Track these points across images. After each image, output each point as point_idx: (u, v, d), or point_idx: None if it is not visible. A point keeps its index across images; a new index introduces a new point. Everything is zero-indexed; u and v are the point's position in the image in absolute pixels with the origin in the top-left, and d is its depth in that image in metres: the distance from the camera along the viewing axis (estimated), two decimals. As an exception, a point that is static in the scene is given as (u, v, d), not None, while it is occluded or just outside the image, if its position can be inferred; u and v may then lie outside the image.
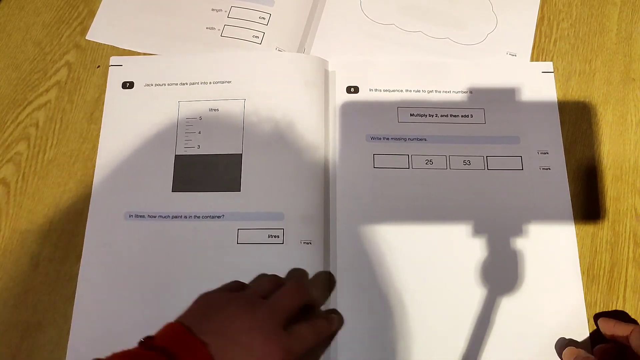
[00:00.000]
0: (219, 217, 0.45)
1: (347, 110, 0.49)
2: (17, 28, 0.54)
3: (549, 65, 0.51)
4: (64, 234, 0.46)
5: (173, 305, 0.43)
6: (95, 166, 0.48)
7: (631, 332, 0.39)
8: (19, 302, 0.44)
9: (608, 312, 0.43)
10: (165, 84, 0.50)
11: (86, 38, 0.53)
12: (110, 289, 0.44)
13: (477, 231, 0.45)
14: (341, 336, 0.42)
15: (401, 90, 0.50)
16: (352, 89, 0.50)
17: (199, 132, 0.48)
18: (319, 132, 0.48)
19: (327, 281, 0.43)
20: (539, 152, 0.48)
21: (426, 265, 0.44)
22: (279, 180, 0.46)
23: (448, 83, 0.50)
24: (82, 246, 0.45)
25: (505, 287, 0.43)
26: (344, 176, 0.47)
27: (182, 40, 0.53)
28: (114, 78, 0.51)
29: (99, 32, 0.53)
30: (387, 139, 0.48)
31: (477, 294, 0.43)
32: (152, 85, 0.50)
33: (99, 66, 0.52)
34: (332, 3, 0.55)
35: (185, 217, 0.45)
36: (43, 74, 0.52)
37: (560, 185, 0.47)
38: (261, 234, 0.45)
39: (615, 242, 0.46)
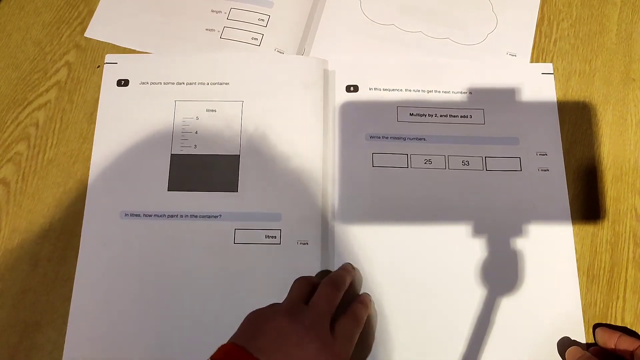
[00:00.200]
0: (215, 217, 0.45)
1: (347, 110, 0.49)
2: (17, 28, 0.54)
3: (549, 67, 0.51)
4: (63, 234, 0.46)
5: (169, 305, 0.43)
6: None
7: (638, 347, 0.38)
8: (17, 302, 0.44)
9: (607, 324, 0.43)
10: (161, 83, 0.50)
11: (85, 36, 0.53)
12: (106, 288, 0.44)
13: (476, 231, 0.45)
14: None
15: (401, 90, 0.50)
16: (352, 88, 0.50)
17: (196, 132, 0.48)
18: (317, 131, 0.48)
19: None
20: (538, 154, 0.48)
21: (425, 265, 0.44)
22: (276, 180, 0.46)
23: (448, 83, 0.50)
24: (80, 246, 0.45)
25: (503, 288, 0.43)
26: (343, 175, 0.47)
27: (182, 41, 0.53)
28: (109, 75, 0.50)
29: (98, 30, 0.53)
30: (387, 138, 0.48)
31: (475, 294, 0.43)
32: (147, 83, 0.50)
33: (99, 66, 0.52)
34: (332, 3, 0.55)
35: (181, 216, 0.45)
36: (43, 74, 0.52)
37: (559, 186, 0.47)
38: (258, 234, 0.45)
39: (615, 242, 0.46)
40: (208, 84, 0.50)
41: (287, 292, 0.40)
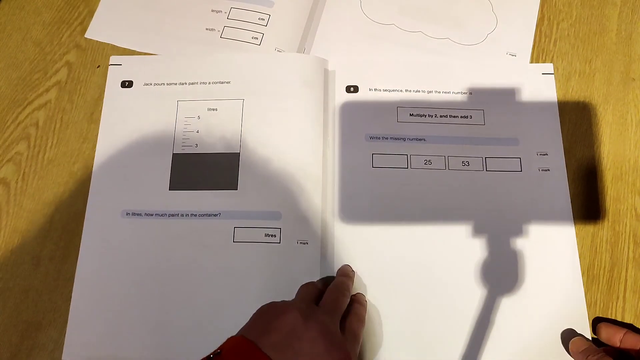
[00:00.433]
0: (215, 215, 0.45)
1: (347, 110, 0.49)
2: (17, 28, 0.54)
3: (549, 67, 0.51)
4: (65, 234, 0.46)
5: (169, 304, 0.43)
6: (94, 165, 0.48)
7: None
8: (19, 301, 0.44)
9: (609, 319, 0.43)
10: (164, 84, 0.50)
11: (85, 36, 0.53)
12: (107, 286, 0.44)
13: (476, 232, 0.45)
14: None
15: (401, 90, 0.50)
16: (352, 89, 0.50)
17: (197, 131, 0.48)
18: (317, 130, 0.48)
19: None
20: (539, 154, 0.48)
21: (424, 265, 0.44)
22: (276, 179, 0.46)
23: (448, 83, 0.50)
24: (81, 245, 0.45)
25: (504, 288, 0.43)
26: (343, 175, 0.47)
27: (182, 41, 0.53)
28: (113, 77, 0.51)
29: (98, 30, 0.53)
30: (386, 138, 0.48)
31: (475, 294, 0.43)
32: (151, 84, 0.50)
33: (99, 66, 0.52)
34: (332, 3, 0.55)
35: (182, 215, 0.46)
36: (43, 74, 0.52)
37: (560, 186, 0.47)
38: (257, 232, 0.45)
39: (615, 242, 0.46)
40: (209, 83, 0.50)
41: (287, 292, 0.40)
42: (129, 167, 0.47)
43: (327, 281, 0.43)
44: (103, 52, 0.52)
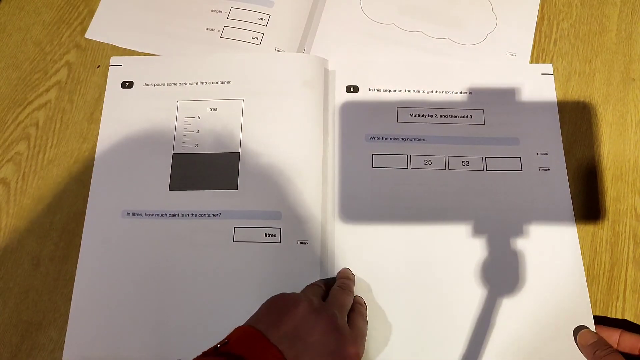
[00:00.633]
0: (215, 215, 0.45)
1: (347, 110, 0.49)
2: (17, 28, 0.54)
3: (548, 67, 0.51)
4: (65, 234, 0.46)
5: (169, 304, 0.43)
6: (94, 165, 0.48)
7: None
8: (19, 301, 0.44)
9: (603, 317, 0.43)
10: (164, 84, 0.50)
11: (85, 36, 0.53)
12: (107, 286, 0.44)
13: (477, 232, 0.45)
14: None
15: (401, 90, 0.50)
16: (352, 89, 0.50)
17: (197, 131, 0.48)
18: (317, 130, 0.48)
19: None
20: (539, 153, 0.48)
21: (425, 265, 0.44)
22: (276, 179, 0.46)
23: (448, 83, 0.50)
24: (81, 245, 0.45)
25: (505, 288, 0.43)
26: (343, 176, 0.47)
27: (182, 41, 0.53)
28: (114, 78, 0.51)
29: (98, 30, 0.53)
30: (387, 139, 0.48)
31: (476, 294, 0.43)
32: (151, 85, 0.50)
33: (99, 66, 0.52)
34: (332, 3, 0.55)
35: (182, 215, 0.46)
36: (43, 74, 0.52)
37: (560, 185, 0.47)
38: (258, 232, 0.45)
39: (615, 242, 0.46)
40: (209, 83, 0.50)
41: (287, 292, 0.40)
42: (129, 167, 0.47)
43: (328, 282, 0.43)
44: (103, 52, 0.52)
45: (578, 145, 0.49)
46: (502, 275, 0.44)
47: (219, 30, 0.53)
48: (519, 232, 0.45)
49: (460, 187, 0.46)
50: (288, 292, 0.39)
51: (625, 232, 0.46)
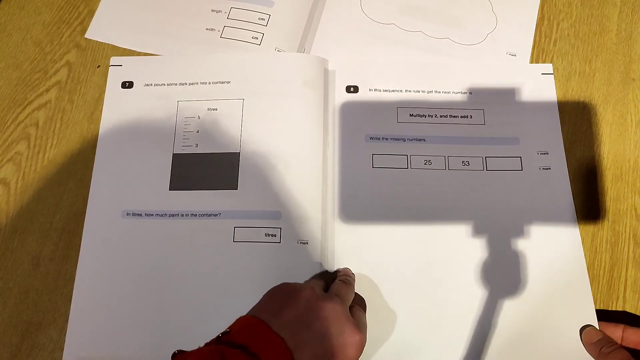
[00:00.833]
0: (215, 215, 0.45)
1: (347, 110, 0.49)
2: (17, 28, 0.54)
3: (548, 67, 0.51)
4: (65, 234, 0.46)
5: (170, 304, 0.43)
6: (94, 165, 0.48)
7: None
8: (19, 301, 0.44)
9: (603, 310, 0.43)
10: (164, 84, 0.50)
11: (85, 36, 0.53)
12: (107, 286, 0.44)
13: (477, 232, 0.45)
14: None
15: (401, 91, 0.50)
16: (352, 89, 0.50)
17: (197, 131, 0.48)
18: (317, 130, 0.48)
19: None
20: (539, 153, 0.48)
21: (425, 265, 0.44)
22: (276, 179, 0.46)
23: (448, 83, 0.50)
24: (81, 245, 0.45)
25: (506, 288, 0.43)
26: (343, 176, 0.47)
27: (182, 41, 0.53)
28: (114, 78, 0.51)
29: (98, 30, 0.53)
30: (386, 139, 0.48)
31: (476, 294, 0.43)
32: (151, 85, 0.50)
33: (99, 66, 0.52)
34: (332, 3, 0.55)
35: (182, 215, 0.46)
36: (43, 74, 0.52)
37: (561, 184, 0.46)
38: (257, 232, 0.45)
39: (615, 242, 0.46)
40: (209, 83, 0.50)
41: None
42: (129, 167, 0.47)
43: (328, 279, 0.43)
44: (103, 52, 0.52)
45: (578, 145, 0.49)
46: (502, 275, 0.44)
47: (219, 30, 0.53)
48: (519, 231, 0.45)
49: (461, 187, 0.46)
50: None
51: (625, 232, 0.46)
